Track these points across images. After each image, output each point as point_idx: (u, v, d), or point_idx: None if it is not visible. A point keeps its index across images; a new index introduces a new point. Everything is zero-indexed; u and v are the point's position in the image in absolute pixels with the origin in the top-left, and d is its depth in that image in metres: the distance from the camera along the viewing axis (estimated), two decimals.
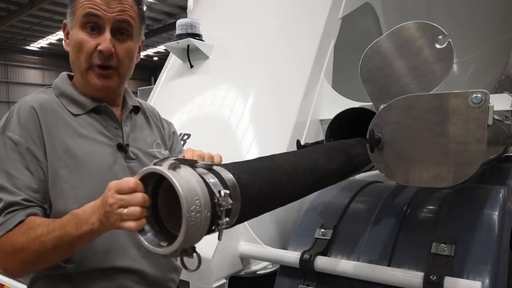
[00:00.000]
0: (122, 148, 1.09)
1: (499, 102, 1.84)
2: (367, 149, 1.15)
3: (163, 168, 0.64)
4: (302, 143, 1.58)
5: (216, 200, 0.66)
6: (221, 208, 0.66)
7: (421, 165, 1.09)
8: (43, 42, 19.96)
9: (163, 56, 14.21)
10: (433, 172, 1.07)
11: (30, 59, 21.51)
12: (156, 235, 0.71)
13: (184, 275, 1.37)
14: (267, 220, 1.76)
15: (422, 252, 1.28)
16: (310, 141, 1.68)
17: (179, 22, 2.25)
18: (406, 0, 3.40)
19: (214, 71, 2.21)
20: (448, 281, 1.14)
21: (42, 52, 21.49)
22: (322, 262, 1.36)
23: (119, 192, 0.72)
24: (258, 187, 0.79)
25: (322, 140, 1.58)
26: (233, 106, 2.03)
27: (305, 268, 1.38)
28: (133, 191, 0.70)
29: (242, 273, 1.60)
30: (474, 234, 1.27)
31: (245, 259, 1.61)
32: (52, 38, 19.14)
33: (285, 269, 1.46)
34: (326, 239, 1.45)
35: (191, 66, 2.26)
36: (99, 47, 1.03)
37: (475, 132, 1.01)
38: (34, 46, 20.61)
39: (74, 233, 0.83)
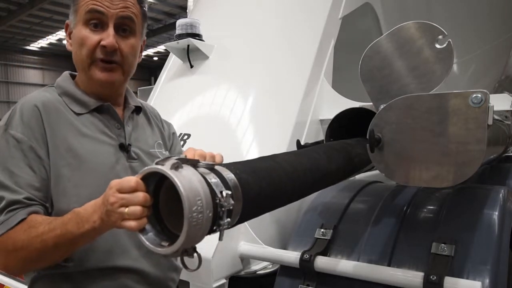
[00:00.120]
0: (124, 148, 1.10)
1: (499, 102, 1.84)
2: (367, 149, 1.15)
3: (165, 168, 0.64)
4: (302, 143, 1.58)
5: (218, 201, 0.66)
6: (223, 209, 0.66)
7: (421, 165, 1.09)
8: (43, 42, 19.96)
9: (163, 56, 14.20)
10: (433, 172, 1.07)
11: (30, 59, 21.52)
12: (157, 235, 0.70)
13: (184, 275, 1.37)
14: (267, 220, 1.76)
15: (422, 252, 1.28)
16: (310, 141, 1.68)
17: (179, 22, 2.25)
18: (406, 0, 3.40)
19: (214, 71, 2.21)
20: (448, 281, 1.14)
21: (42, 52, 21.49)
22: (322, 262, 1.36)
23: (120, 191, 0.72)
24: (258, 187, 0.79)
25: (322, 140, 1.58)
26: (233, 106, 2.03)
27: (305, 268, 1.38)
28: (134, 190, 0.70)
29: (242, 273, 1.60)
30: (474, 234, 1.27)
31: (245, 259, 1.61)
32: (52, 38, 19.14)
33: (285, 269, 1.46)
34: (326, 239, 1.45)
35: (191, 66, 2.26)
36: (103, 42, 1.03)
37: (475, 132, 1.01)
38: (34, 46, 20.62)
39: (76, 232, 0.83)
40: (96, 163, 1.03)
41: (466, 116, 1.02)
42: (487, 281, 1.16)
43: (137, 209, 0.70)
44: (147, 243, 0.69)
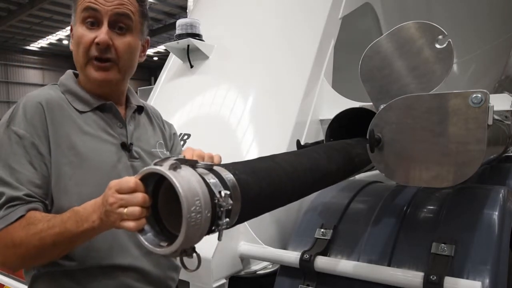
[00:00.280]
0: (126, 147, 1.10)
1: (499, 102, 1.84)
2: (367, 149, 1.15)
3: (164, 168, 0.64)
4: (302, 143, 1.58)
5: (216, 201, 0.66)
6: (222, 209, 0.66)
7: (421, 165, 1.09)
8: (43, 42, 19.95)
9: (163, 56, 14.20)
10: (433, 172, 1.07)
11: (30, 59, 21.51)
12: (156, 235, 0.71)
13: (184, 275, 1.37)
14: (267, 220, 1.76)
15: (422, 252, 1.28)
16: (310, 141, 1.68)
17: (179, 22, 2.25)
18: (406, 0, 3.40)
19: (214, 71, 2.21)
20: (448, 281, 1.14)
21: (42, 52, 21.49)
22: (322, 262, 1.36)
23: (120, 191, 0.72)
24: (258, 187, 0.79)
25: (322, 140, 1.58)
26: (233, 106, 2.03)
27: (305, 268, 1.38)
28: (133, 191, 0.71)
29: (242, 273, 1.60)
30: (474, 234, 1.27)
31: (245, 259, 1.61)
32: (52, 38, 19.13)
33: (285, 269, 1.46)
34: (326, 239, 1.45)
35: (191, 66, 2.26)
36: (96, 39, 1.03)
37: (475, 132, 1.01)
38: (34, 46, 20.61)
39: (74, 230, 0.83)
40: (98, 161, 1.03)
41: (466, 116, 1.02)
42: (487, 281, 1.16)
43: (136, 209, 0.70)
44: (146, 243, 0.69)
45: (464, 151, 1.02)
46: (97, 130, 1.07)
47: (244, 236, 1.61)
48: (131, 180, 0.71)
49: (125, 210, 0.71)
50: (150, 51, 20.62)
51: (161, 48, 18.96)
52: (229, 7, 2.49)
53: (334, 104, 2.08)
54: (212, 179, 0.68)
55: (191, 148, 0.97)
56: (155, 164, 0.66)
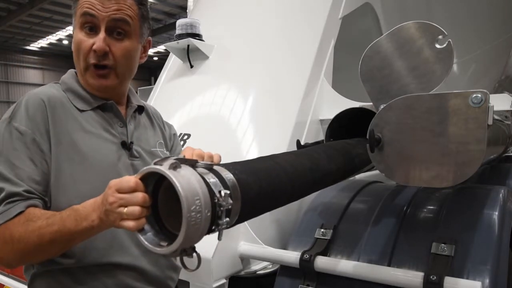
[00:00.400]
0: (126, 146, 1.10)
1: (499, 102, 1.83)
2: (367, 149, 1.15)
3: (164, 168, 0.64)
4: (302, 143, 1.58)
5: (216, 200, 0.66)
6: (221, 208, 0.66)
7: (421, 165, 1.09)
8: (43, 42, 19.95)
9: (163, 56, 14.21)
10: (433, 172, 1.07)
11: (30, 59, 21.51)
12: (156, 235, 0.71)
13: (184, 275, 1.37)
14: (267, 220, 1.76)
15: (422, 252, 1.28)
16: (310, 141, 1.68)
17: (179, 22, 2.25)
18: (406, 0, 3.40)
19: (214, 71, 2.21)
20: (448, 281, 1.14)
21: (42, 52, 21.49)
22: (322, 262, 1.36)
23: (120, 191, 0.72)
24: (258, 187, 0.79)
25: (322, 140, 1.58)
26: (233, 106, 2.03)
27: (305, 268, 1.38)
28: (133, 190, 0.71)
29: (242, 273, 1.60)
30: (474, 234, 1.27)
31: (245, 259, 1.61)
32: (52, 38, 19.12)
33: (285, 269, 1.46)
34: (326, 239, 1.45)
35: (191, 66, 2.26)
36: (93, 46, 1.03)
37: (475, 132, 1.01)
38: (34, 46, 20.61)
39: (73, 229, 0.83)
40: (98, 160, 1.04)
41: (466, 116, 1.02)
42: (487, 281, 1.16)
43: (135, 209, 0.70)
44: (146, 243, 0.69)
45: (464, 151, 1.02)
46: (98, 128, 1.08)
47: (244, 236, 1.61)
48: (131, 180, 0.71)
49: (125, 209, 0.71)
50: (150, 51, 20.45)
51: (161, 48, 18.96)
52: (229, 7, 2.49)
53: (334, 104, 2.08)
54: (212, 179, 0.68)
55: (190, 147, 0.97)
56: (155, 164, 0.66)
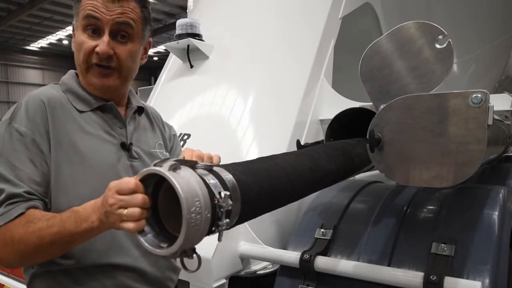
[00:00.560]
0: (125, 147, 1.10)
1: (499, 102, 1.84)
2: (367, 149, 1.14)
3: (163, 169, 0.64)
4: (302, 143, 1.58)
5: (216, 201, 0.66)
6: (221, 209, 0.66)
7: (421, 165, 1.09)
8: (43, 42, 19.95)
9: (163, 56, 14.20)
10: (433, 172, 1.07)
11: (30, 59, 21.51)
12: (156, 236, 0.70)
13: (184, 275, 1.37)
14: (267, 220, 1.76)
15: (422, 252, 1.28)
16: (310, 141, 1.68)
17: (179, 22, 2.25)
18: (406, 0, 3.40)
19: (214, 71, 2.21)
20: (448, 281, 1.14)
21: (42, 52, 21.49)
22: (322, 262, 1.36)
23: (119, 192, 0.72)
24: (258, 188, 0.79)
25: (322, 140, 1.58)
26: (233, 106, 2.03)
27: (305, 268, 1.38)
28: (133, 192, 0.71)
29: (242, 273, 1.60)
30: (474, 234, 1.27)
31: (245, 259, 1.61)
32: (52, 38, 19.12)
33: (285, 269, 1.46)
34: (326, 239, 1.45)
35: (191, 66, 2.26)
36: (97, 49, 1.04)
37: (475, 132, 1.01)
38: (34, 46, 20.61)
39: (73, 230, 0.84)
40: (98, 161, 1.04)
41: (466, 116, 1.02)
42: (487, 281, 1.16)
43: (135, 210, 0.70)
44: (146, 244, 0.69)
45: (464, 151, 1.02)
46: (97, 129, 1.08)
47: (244, 236, 1.61)
48: (131, 181, 0.71)
49: (125, 211, 0.71)
50: (150, 51, 20.51)
51: (161, 48, 18.96)
52: (229, 7, 2.49)
53: (334, 104, 2.08)
54: (211, 180, 0.68)
55: (190, 149, 0.97)
56: (154, 165, 0.66)
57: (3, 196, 0.92)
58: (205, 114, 2.09)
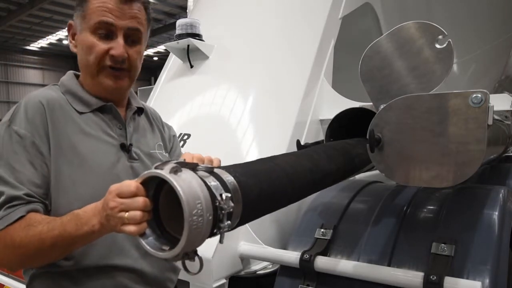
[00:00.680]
0: (125, 148, 1.10)
1: (499, 102, 1.84)
2: (367, 149, 1.14)
3: (164, 172, 0.64)
4: (302, 143, 1.58)
5: (217, 203, 0.66)
6: (223, 211, 0.66)
7: (421, 165, 1.09)
8: (43, 42, 19.94)
9: (163, 56, 14.20)
10: (433, 172, 1.07)
11: (30, 59, 21.50)
12: (158, 239, 0.70)
13: (184, 275, 1.37)
14: (267, 220, 1.76)
15: (422, 252, 1.28)
16: (310, 141, 1.68)
17: (179, 22, 2.25)
18: (406, 0, 3.40)
19: (214, 71, 2.21)
20: (448, 281, 1.14)
21: (42, 52, 21.48)
22: (322, 262, 1.36)
23: (120, 195, 0.72)
24: (259, 189, 0.79)
25: (322, 140, 1.58)
26: (233, 106, 2.03)
27: (305, 268, 1.38)
28: (134, 195, 0.70)
29: (242, 273, 1.60)
30: (474, 234, 1.27)
31: (245, 259, 1.61)
32: (52, 38, 19.12)
33: (285, 269, 1.46)
34: (326, 239, 1.45)
35: (191, 66, 2.26)
36: (112, 52, 1.04)
37: (475, 132, 1.01)
38: (34, 46, 20.60)
39: (74, 233, 0.83)
40: (97, 162, 1.04)
41: (466, 116, 1.02)
42: (487, 281, 1.16)
43: (136, 214, 0.70)
44: (148, 247, 0.68)
45: (464, 151, 1.02)
46: (97, 131, 1.07)
47: (244, 236, 1.61)
48: (131, 184, 0.71)
49: (126, 214, 0.70)
50: (150, 51, 20.64)
51: (161, 48, 18.98)
52: (229, 7, 2.49)
53: (334, 104, 2.08)
54: (213, 182, 0.68)
55: (189, 153, 0.97)
56: (155, 168, 0.66)
57: (2, 198, 0.92)
58: (205, 114, 2.09)
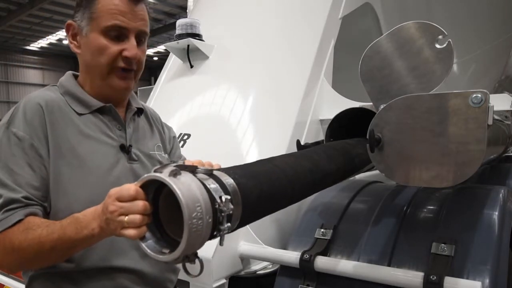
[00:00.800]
0: (125, 149, 1.10)
1: (499, 102, 1.84)
2: (367, 149, 1.14)
3: (164, 175, 0.64)
4: (302, 143, 1.58)
5: (217, 206, 0.66)
6: (223, 214, 0.66)
7: (421, 165, 1.09)
8: (43, 42, 19.95)
9: (163, 56, 14.21)
10: (433, 172, 1.07)
11: (30, 59, 21.51)
12: (158, 242, 0.70)
13: (183, 275, 1.37)
14: (267, 220, 1.76)
15: (422, 252, 1.28)
16: (310, 141, 1.69)
17: (179, 22, 2.25)
18: (406, 0, 3.40)
19: (214, 71, 2.21)
20: (448, 281, 1.14)
21: (42, 52, 21.48)
22: (322, 262, 1.36)
23: (120, 199, 0.72)
24: (259, 191, 0.78)
25: (322, 140, 1.58)
26: (233, 106, 2.03)
27: (305, 268, 1.38)
28: (133, 198, 0.70)
29: (242, 273, 1.60)
30: (474, 234, 1.27)
31: (245, 259, 1.61)
32: (52, 38, 19.12)
33: (285, 269, 1.46)
34: (326, 239, 1.45)
35: (191, 66, 2.26)
36: (126, 54, 1.04)
37: (475, 132, 1.01)
38: (34, 46, 20.61)
39: (74, 237, 0.83)
40: (97, 163, 1.03)
41: (466, 116, 1.02)
42: (487, 281, 1.16)
43: (136, 217, 0.70)
44: (148, 251, 0.69)
45: (464, 151, 1.02)
46: (96, 132, 1.07)
47: (244, 236, 1.61)
48: (131, 188, 0.71)
49: (126, 218, 0.70)
50: (150, 51, 20.62)
51: (161, 48, 18.97)
52: (229, 7, 2.49)
53: (334, 104, 2.08)
54: (212, 184, 0.68)
55: (189, 160, 0.97)
56: (155, 171, 0.66)
57: (1, 201, 0.91)
58: (205, 114, 2.09)
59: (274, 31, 2.30)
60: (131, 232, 0.70)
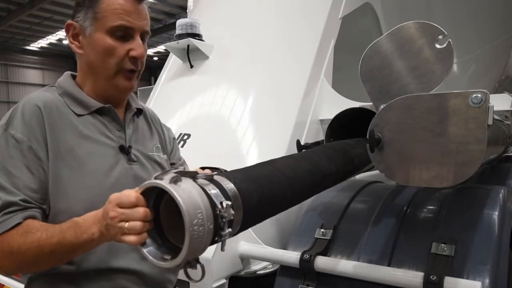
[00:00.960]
0: (124, 150, 1.09)
1: (499, 102, 1.84)
2: (367, 149, 1.14)
3: (164, 182, 0.64)
4: (302, 143, 1.58)
5: (218, 212, 0.66)
6: (224, 220, 0.66)
7: (421, 165, 1.09)
8: (43, 42, 19.94)
9: (163, 56, 14.21)
10: (433, 172, 1.07)
11: (30, 59, 21.49)
12: (159, 248, 0.70)
13: (183, 275, 1.37)
14: (267, 220, 1.75)
15: (422, 252, 1.28)
16: (310, 141, 1.68)
17: (179, 22, 2.25)
18: (406, 0, 3.40)
19: (214, 71, 2.21)
20: (448, 281, 1.14)
21: (42, 52, 21.48)
22: (322, 262, 1.36)
23: (120, 205, 0.72)
24: (259, 195, 0.78)
25: (322, 140, 1.58)
26: (233, 106, 2.03)
27: (305, 268, 1.37)
28: (134, 205, 0.70)
29: (242, 273, 1.60)
30: (474, 234, 1.27)
31: (245, 259, 1.61)
32: (52, 38, 19.11)
33: (285, 269, 1.46)
34: (326, 239, 1.45)
35: (191, 66, 2.26)
36: (133, 53, 1.04)
37: (475, 132, 1.01)
38: (34, 46, 20.60)
39: (73, 241, 0.83)
40: (96, 164, 1.03)
41: (466, 116, 1.02)
42: (487, 281, 1.16)
43: (137, 224, 0.70)
44: (150, 257, 0.69)
45: (464, 151, 1.02)
46: (95, 133, 1.06)
47: (244, 236, 1.61)
48: (131, 195, 0.71)
49: (126, 224, 0.70)
50: (150, 51, 20.60)
51: (161, 48, 18.96)
52: (229, 7, 2.49)
53: (334, 104, 2.08)
54: (213, 190, 0.68)
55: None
56: (155, 178, 0.66)
57: None
58: (205, 114, 2.09)
59: (274, 31, 2.30)
60: (131, 238, 0.70)
